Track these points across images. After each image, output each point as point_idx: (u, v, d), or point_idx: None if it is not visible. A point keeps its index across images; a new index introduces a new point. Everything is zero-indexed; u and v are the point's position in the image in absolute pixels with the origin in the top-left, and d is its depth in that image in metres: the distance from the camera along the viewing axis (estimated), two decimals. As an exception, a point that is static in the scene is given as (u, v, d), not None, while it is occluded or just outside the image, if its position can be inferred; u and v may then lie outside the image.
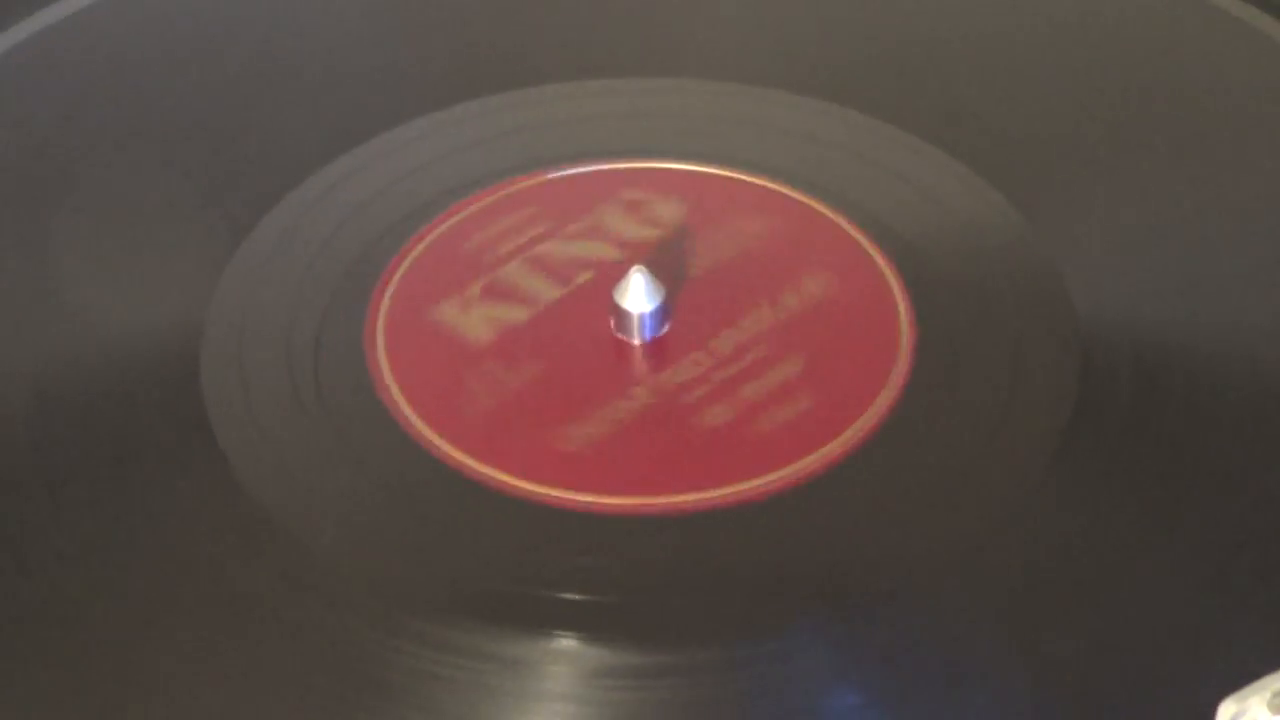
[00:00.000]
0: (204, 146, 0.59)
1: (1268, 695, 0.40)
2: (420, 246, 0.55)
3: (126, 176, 0.57)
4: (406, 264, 0.55)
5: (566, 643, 0.45)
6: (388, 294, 0.54)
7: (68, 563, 0.47)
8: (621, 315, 0.52)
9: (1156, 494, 0.49)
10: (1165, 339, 0.52)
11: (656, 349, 0.52)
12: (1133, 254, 0.55)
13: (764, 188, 0.56)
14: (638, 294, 0.51)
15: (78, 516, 0.48)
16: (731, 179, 0.57)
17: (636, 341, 0.52)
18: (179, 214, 0.56)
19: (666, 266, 0.53)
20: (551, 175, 0.57)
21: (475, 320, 0.53)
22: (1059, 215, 0.55)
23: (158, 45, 0.63)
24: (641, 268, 0.52)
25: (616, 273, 0.52)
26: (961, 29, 0.62)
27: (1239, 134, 0.59)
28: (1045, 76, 0.60)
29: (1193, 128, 0.59)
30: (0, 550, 0.47)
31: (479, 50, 0.62)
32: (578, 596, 0.46)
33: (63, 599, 0.46)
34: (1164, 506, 0.48)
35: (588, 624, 0.45)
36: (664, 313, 0.52)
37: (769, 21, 0.62)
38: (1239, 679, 0.40)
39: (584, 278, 0.54)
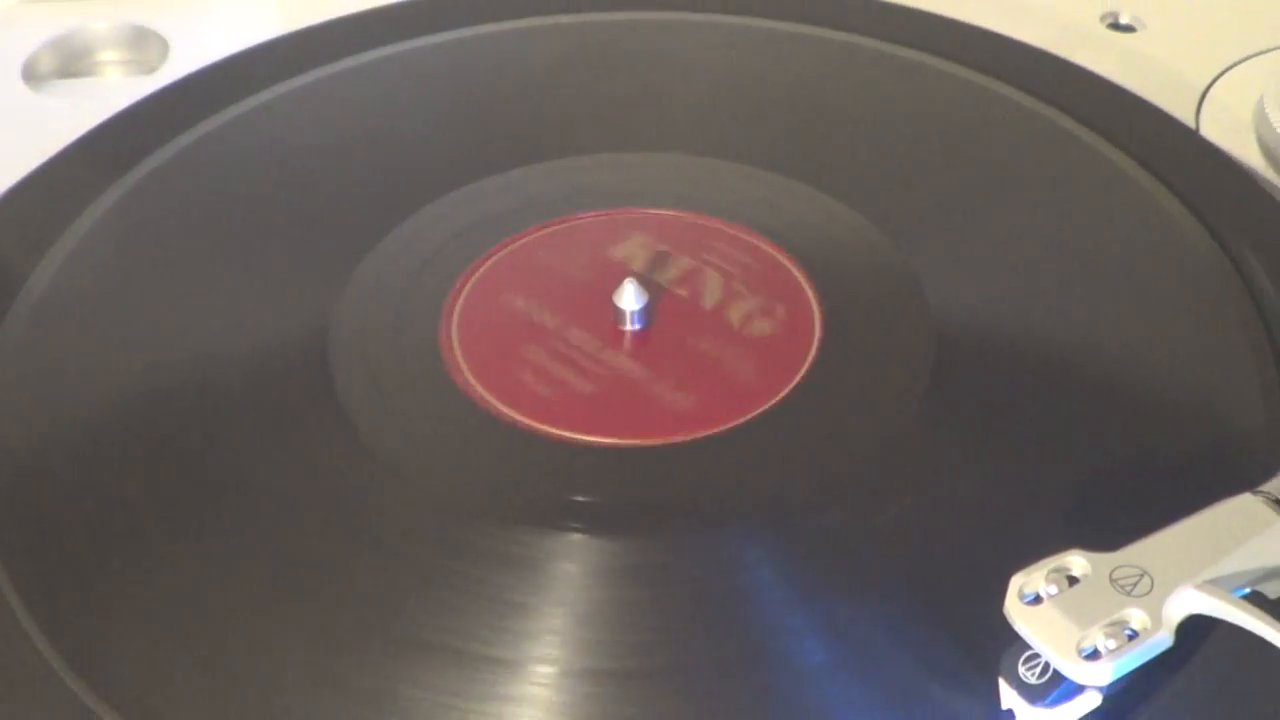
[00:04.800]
0: (343, 196, 0.58)
1: (1046, 571, 0.40)
2: (497, 255, 0.55)
3: (286, 219, 0.57)
4: (483, 269, 0.54)
5: (571, 535, 0.45)
6: (468, 286, 0.54)
7: (231, 493, 0.47)
8: (617, 311, 0.51)
9: (984, 433, 0.48)
10: (993, 323, 0.52)
11: (640, 336, 0.51)
12: (969, 266, 0.54)
13: (721, 227, 0.56)
14: (628, 296, 0.51)
15: (238, 461, 0.48)
16: (702, 222, 0.56)
17: (626, 330, 0.51)
18: (317, 241, 0.56)
19: (656, 278, 0.53)
20: (582, 217, 0.57)
21: (525, 298, 0.53)
22: (918, 240, 0.55)
23: (312, 126, 0.63)
24: (632, 278, 0.51)
25: (617, 280, 0.52)
26: (852, 124, 0.62)
27: (1043, 182, 0.58)
28: (910, 149, 0.60)
29: (1010, 177, 0.59)
30: (188, 483, 0.47)
31: (538, 128, 0.62)
32: (580, 498, 0.46)
33: (227, 518, 0.46)
34: (988, 441, 0.48)
35: (582, 523, 0.45)
36: (647, 311, 0.51)
37: (733, 120, 0.62)
38: (1027, 561, 0.40)
39: (601, 282, 0.53)
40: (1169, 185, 0.57)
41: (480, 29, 0.66)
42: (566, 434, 0.48)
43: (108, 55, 0.71)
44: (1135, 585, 0.39)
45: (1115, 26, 0.71)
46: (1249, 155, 0.62)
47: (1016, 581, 0.40)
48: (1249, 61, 0.67)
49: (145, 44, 0.71)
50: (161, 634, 0.43)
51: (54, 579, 0.44)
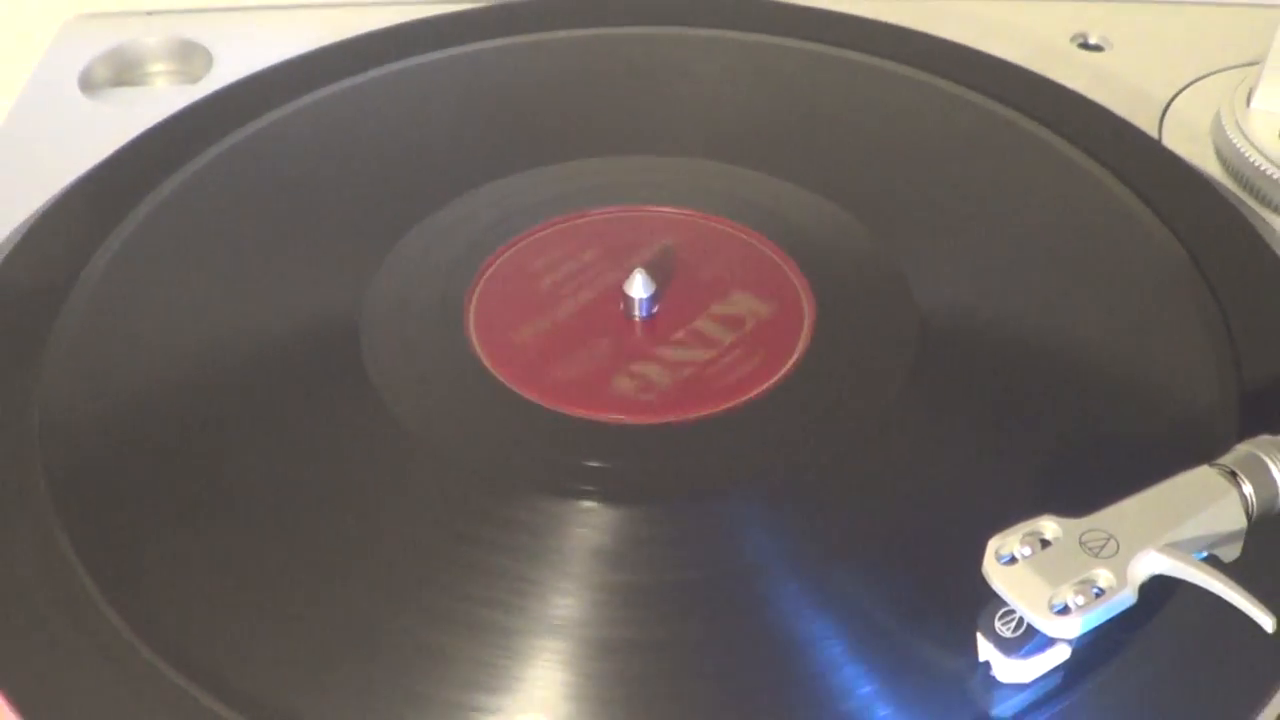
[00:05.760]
0: (378, 190, 0.58)
1: (1020, 534, 0.40)
2: (517, 246, 0.55)
3: (319, 214, 0.58)
4: (504, 258, 0.54)
5: (583, 503, 0.45)
6: (489, 272, 0.54)
7: (271, 465, 0.47)
8: (626, 299, 0.51)
9: (964, 412, 0.49)
10: (972, 313, 0.52)
11: (649, 323, 0.52)
12: (950, 262, 0.54)
13: (723, 224, 0.56)
14: (637, 285, 0.51)
15: (274, 436, 0.48)
16: (705, 219, 0.56)
17: (636, 317, 0.52)
18: (350, 232, 0.56)
19: (661, 269, 0.53)
20: (595, 212, 0.57)
21: (541, 285, 0.53)
22: (904, 239, 0.55)
23: (346, 130, 0.63)
24: (641, 269, 0.51)
25: (628, 271, 0.52)
26: (845, 132, 0.62)
27: (1019, 186, 0.59)
28: (898, 155, 0.60)
29: (988, 181, 0.59)
30: (231, 452, 0.48)
31: (556, 132, 0.62)
32: (591, 471, 0.47)
33: (267, 486, 0.47)
34: (968, 419, 0.49)
35: (594, 492, 0.46)
36: (654, 299, 0.51)
37: (734, 126, 0.62)
38: (1004, 526, 0.41)
39: (612, 273, 0.53)
40: (1133, 189, 0.57)
41: (504, 41, 0.67)
42: (579, 411, 0.48)
43: (157, 67, 0.72)
44: (1102, 548, 0.40)
45: (1084, 46, 0.71)
46: (1206, 163, 0.62)
47: (993, 544, 0.40)
48: (1207, 79, 0.67)
49: (191, 56, 0.71)
50: (209, 591, 0.44)
51: (112, 543, 0.45)
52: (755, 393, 0.49)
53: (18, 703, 0.41)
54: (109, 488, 0.47)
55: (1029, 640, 0.40)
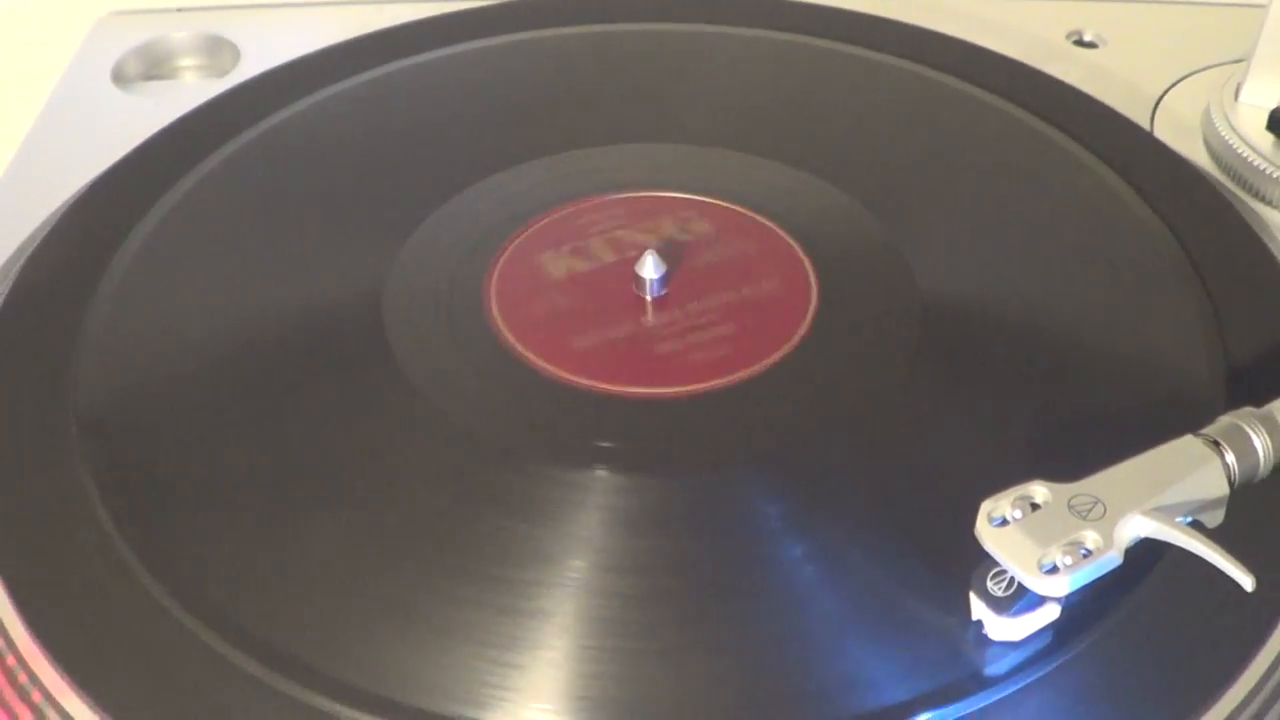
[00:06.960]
0: (402, 176, 0.59)
1: (1012, 498, 0.41)
2: (533, 228, 0.55)
3: (348, 200, 0.58)
4: (520, 240, 0.55)
5: (597, 472, 0.46)
6: (507, 253, 0.54)
7: (298, 437, 0.48)
8: (638, 279, 0.52)
9: (962, 387, 0.50)
10: (971, 292, 0.53)
11: (659, 302, 0.52)
12: (950, 244, 0.55)
13: (732, 208, 0.57)
14: (648, 266, 0.52)
15: (303, 402, 0.49)
16: (715, 204, 0.57)
17: (647, 296, 0.52)
18: (376, 214, 0.57)
19: (672, 251, 0.54)
20: (609, 197, 0.57)
21: (558, 266, 0.54)
22: (907, 225, 0.56)
23: (370, 119, 0.63)
24: (652, 251, 0.52)
25: (640, 252, 0.52)
26: (849, 122, 0.63)
27: (1016, 175, 0.59)
28: (900, 144, 0.61)
29: (987, 169, 0.60)
30: (260, 421, 0.49)
31: (571, 121, 0.62)
32: (603, 441, 0.47)
33: (297, 459, 0.48)
34: (965, 393, 0.49)
35: (605, 462, 0.46)
36: (665, 280, 0.52)
37: (741, 116, 0.63)
38: (996, 491, 0.42)
39: (625, 254, 0.54)
40: (1126, 178, 0.58)
41: (519, 36, 0.67)
42: (592, 384, 0.49)
43: (186, 61, 0.73)
44: (1090, 511, 0.40)
45: (1079, 43, 0.72)
46: (1196, 155, 0.63)
47: (986, 507, 0.41)
48: (1197, 75, 0.68)
49: (219, 51, 0.72)
50: (240, 550, 0.45)
51: (153, 519, 0.46)
52: (761, 369, 0.50)
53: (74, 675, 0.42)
54: (146, 467, 0.47)
55: (1020, 599, 0.40)
